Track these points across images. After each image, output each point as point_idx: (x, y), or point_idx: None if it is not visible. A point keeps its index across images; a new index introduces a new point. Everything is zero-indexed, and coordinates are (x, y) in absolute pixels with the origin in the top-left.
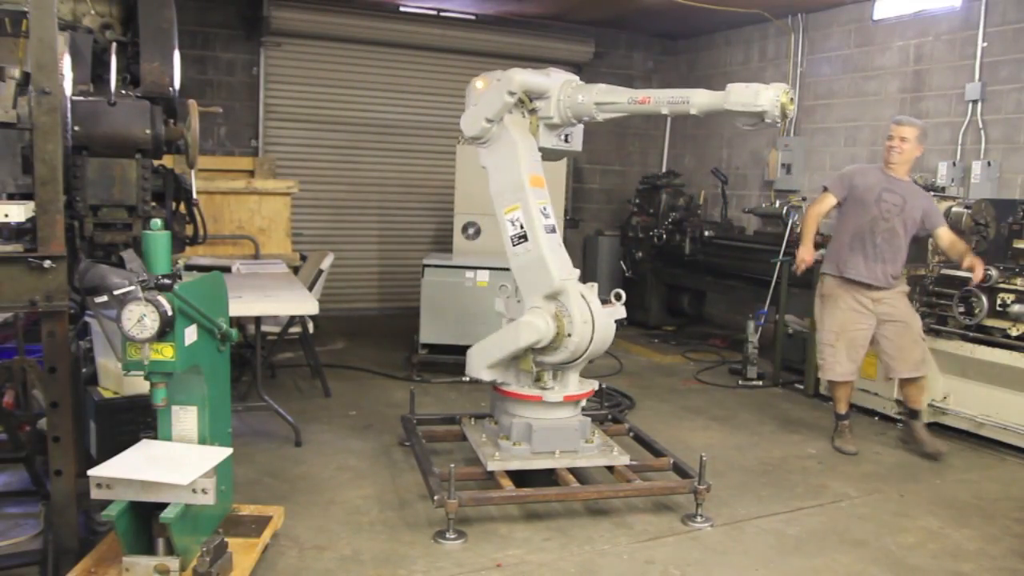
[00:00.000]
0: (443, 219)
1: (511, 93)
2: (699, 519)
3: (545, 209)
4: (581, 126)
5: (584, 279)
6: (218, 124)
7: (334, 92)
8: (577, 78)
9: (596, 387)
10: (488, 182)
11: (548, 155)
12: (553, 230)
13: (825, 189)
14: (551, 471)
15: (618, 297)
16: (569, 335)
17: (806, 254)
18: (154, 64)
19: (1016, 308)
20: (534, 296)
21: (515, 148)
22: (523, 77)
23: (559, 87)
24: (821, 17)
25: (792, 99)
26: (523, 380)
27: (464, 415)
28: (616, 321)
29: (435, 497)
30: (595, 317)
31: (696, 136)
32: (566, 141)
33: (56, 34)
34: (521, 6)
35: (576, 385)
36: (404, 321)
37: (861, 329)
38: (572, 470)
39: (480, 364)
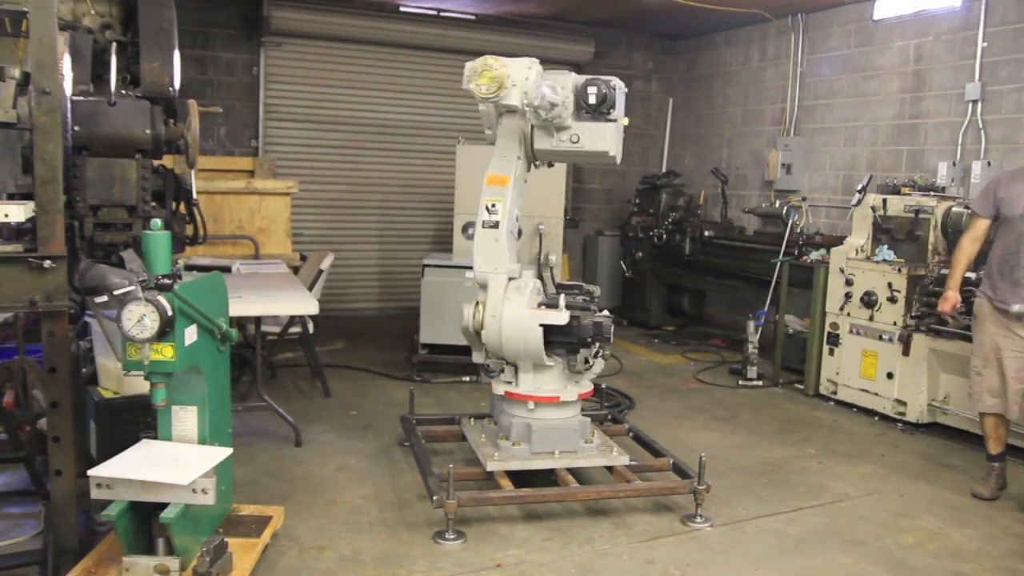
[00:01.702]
0: (443, 219)
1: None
2: (699, 519)
3: (493, 207)
4: (602, 128)
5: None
6: (218, 124)
7: (334, 92)
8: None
9: (592, 387)
10: None
11: (555, 157)
12: (495, 226)
13: (973, 213)
14: (551, 471)
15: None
16: (482, 328)
17: (952, 295)
18: (154, 64)
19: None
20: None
21: (495, 147)
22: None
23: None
24: (821, 17)
25: (487, 72)
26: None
27: (464, 415)
28: (615, 321)
29: (434, 497)
30: (504, 313)
31: (696, 136)
32: (572, 142)
33: (56, 34)
34: (521, 6)
35: (556, 386)
36: (404, 321)
37: (1016, 355)
38: (571, 470)
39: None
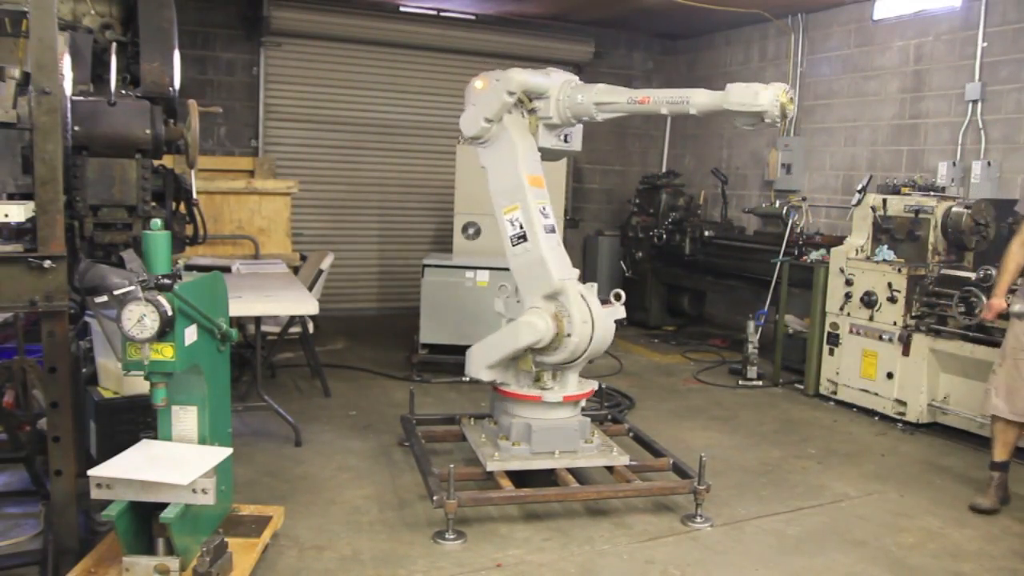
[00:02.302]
0: (443, 219)
1: (510, 93)
2: (699, 519)
3: (544, 209)
4: (580, 126)
5: (584, 279)
6: (218, 124)
7: (334, 92)
8: (576, 78)
9: (596, 387)
10: (487, 182)
11: (548, 155)
12: (552, 230)
13: (1019, 217)
14: (551, 471)
15: (617, 297)
16: (568, 335)
17: (999, 301)
18: (154, 64)
19: (1017, 308)
20: (534, 296)
21: (514, 148)
22: (522, 77)
23: (558, 87)
24: (821, 17)
25: (792, 99)
26: (523, 380)
27: (464, 415)
28: (616, 321)
29: (434, 497)
30: (595, 317)
31: (696, 136)
32: (565, 141)
33: (56, 34)
34: (521, 6)
35: (576, 385)
36: (404, 321)
37: None
38: (571, 470)
39: (480, 364)
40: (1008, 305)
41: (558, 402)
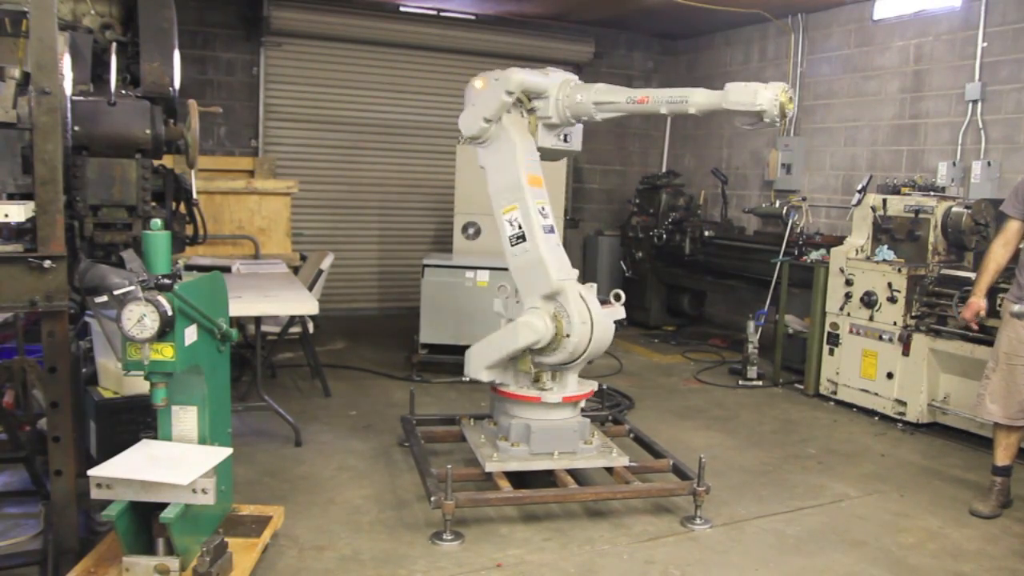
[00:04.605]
0: (443, 219)
1: (509, 93)
2: (698, 521)
3: (543, 209)
4: (580, 126)
5: (584, 279)
6: (218, 124)
7: (334, 92)
8: (576, 78)
9: (595, 388)
10: (487, 182)
11: (547, 155)
12: (552, 230)
13: (1004, 215)
14: (550, 472)
15: (617, 298)
16: (568, 336)
17: (977, 301)
18: (154, 64)
19: (1016, 308)
20: (533, 296)
21: (513, 148)
22: (521, 76)
23: (558, 87)
24: (821, 17)
25: (791, 98)
26: (522, 381)
27: (464, 416)
28: (616, 321)
29: (432, 498)
30: (593, 318)
31: (696, 136)
32: (565, 141)
33: (56, 34)
34: (521, 6)
35: (575, 386)
36: (404, 321)
37: None
38: (571, 471)
39: (479, 364)
40: (999, 306)
41: (557, 403)
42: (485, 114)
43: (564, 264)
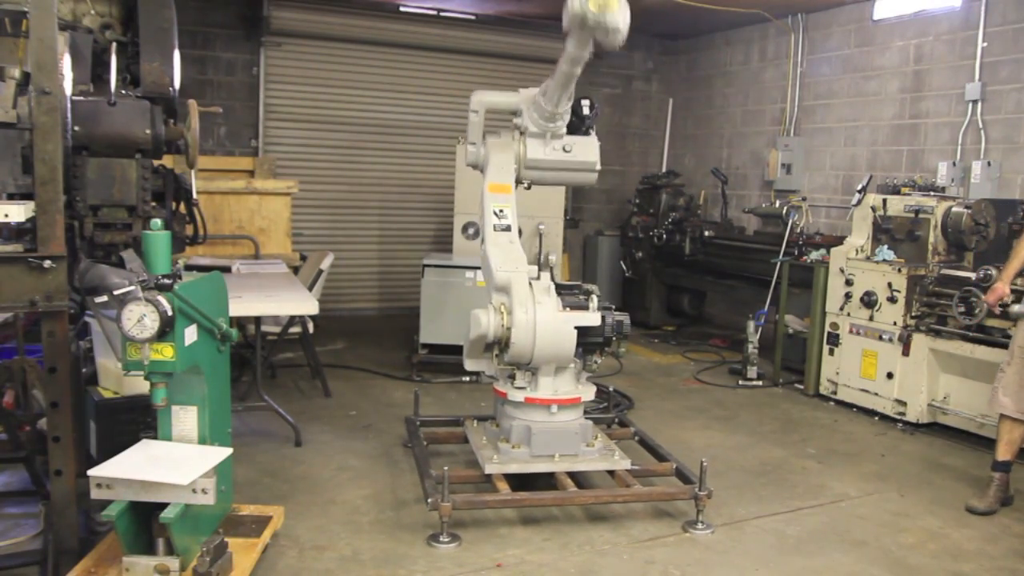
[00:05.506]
0: (443, 219)
1: (474, 112)
2: (700, 525)
3: (501, 211)
4: (588, 139)
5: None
6: (218, 124)
7: (334, 92)
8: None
9: (595, 390)
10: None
11: (559, 168)
12: (507, 229)
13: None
14: (551, 475)
15: (608, 306)
16: (509, 329)
17: (1002, 287)
18: (154, 64)
19: (1016, 308)
20: (490, 290)
21: (487, 162)
22: (482, 96)
23: (529, 99)
24: (821, 17)
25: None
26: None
27: (468, 417)
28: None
29: (429, 500)
30: (537, 314)
31: (696, 136)
32: (565, 151)
33: (56, 34)
34: (521, 6)
35: (575, 387)
36: (404, 321)
37: None
38: (572, 474)
39: (465, 355)
40: (1012, 309)
41: (520, 402)
42: (472, 139)
43: (513, 258)
